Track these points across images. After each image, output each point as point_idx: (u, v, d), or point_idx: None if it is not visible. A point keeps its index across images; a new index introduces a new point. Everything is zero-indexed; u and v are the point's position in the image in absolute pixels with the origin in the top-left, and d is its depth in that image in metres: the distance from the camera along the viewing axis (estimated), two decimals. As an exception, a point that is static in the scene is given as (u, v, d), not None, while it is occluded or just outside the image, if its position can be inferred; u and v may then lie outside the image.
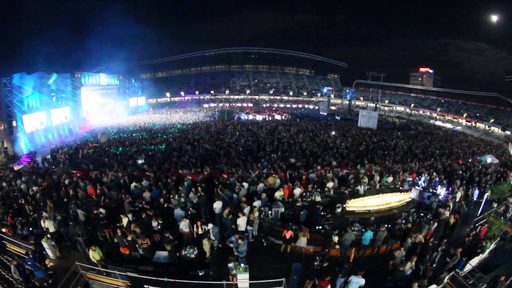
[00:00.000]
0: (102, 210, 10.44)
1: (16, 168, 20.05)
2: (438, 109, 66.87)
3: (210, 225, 9.08)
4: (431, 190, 13.71)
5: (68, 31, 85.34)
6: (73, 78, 38.51)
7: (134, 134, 31.37)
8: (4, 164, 22.86)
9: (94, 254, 8.28)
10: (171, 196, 11.42)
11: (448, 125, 59.50)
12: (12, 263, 8.24)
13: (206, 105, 74.04)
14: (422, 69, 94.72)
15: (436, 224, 10.62)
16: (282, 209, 10.66)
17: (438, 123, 62.39)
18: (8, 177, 16.74)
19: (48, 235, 9.69)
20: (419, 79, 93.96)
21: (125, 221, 9.44)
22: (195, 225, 9.42)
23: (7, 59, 48.98)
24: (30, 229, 10.54)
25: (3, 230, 10.81)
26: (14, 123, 27.12)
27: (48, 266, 9.08)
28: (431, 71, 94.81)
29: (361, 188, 12.57)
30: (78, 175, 15.38)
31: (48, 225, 10.08)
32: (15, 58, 44.81)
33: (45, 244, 9.24)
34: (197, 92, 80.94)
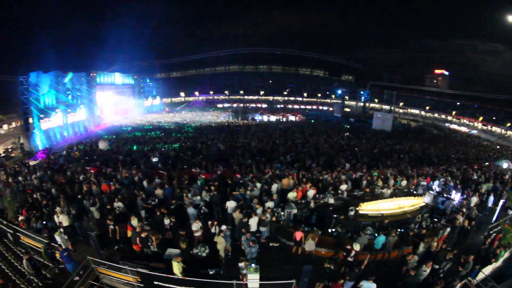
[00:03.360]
0: (120, 204, 10.54)
1: (31, 163, 20.59)
2: (454, 112, 65.33)
3: (224, 227, 9.05)
4: (445, 195, 13.41)
5: (83, 31, 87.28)
6: (88, 77, 39.02)
7: (148, 133, 31.72)
8: (20, 159, 23.54)
9: (177, 266, 7.63)
10: (184, 194, 11.46)
11: (464, 129, 58.13)
12: (24, 257, 8.42)
13: (220, 105, 74.27)
14: (437, 71, 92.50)
15: (449, 229, 10.35)
16: (295, 211, 10.59)
17: (454, 126, 61.08)
18: (24, 171, 17.21)
19: (61, 229, 9.86)
20: (434, 81, 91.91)
21: (134, 222, 9.49)
22: (209, 223, 9.39)
23: (24, 58, 50.36)
24: (44, 222, 10.76)
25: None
26: (30, 120, 27.72)
27: (59, 259, 9.23)
28: (446, 73, 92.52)
29: (387, 191, 12.42)
30: (92, 171, 15.63)
31: (62, 219, 10.30)
32: (32, 57, 46.00)
33: (57, 238, 9.41)
34: (211, 92, 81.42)
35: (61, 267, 9.05)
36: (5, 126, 41.39)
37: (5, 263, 9.72)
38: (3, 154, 27.30)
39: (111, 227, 9.68)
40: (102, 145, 23.00)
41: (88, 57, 62.89)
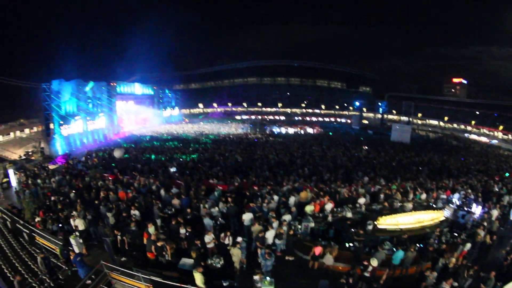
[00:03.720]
0: (137, 212, 10.64)
1: (51, 167, 21.23)
2: (473, 122, 63.41)
3: (239, 239, 8.96)
4: (465, 208, 12.97)
5: (105, 42, 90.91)
6: (109, 87, 40.00)
7: (167, 143, 32.15)
8: (40, 162, 24.32)
9: (199, 277, 7.45)
10: (201, 205, 11.46)
11: (484, 139, 56.19)
12: (39, 255, 8.61)
13: (238, 117, 74.99)
14: (455, 80, 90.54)
15: (469, 244, 9.91)
16: (312, 224, 10.43)
17: (473, 136, 59.21)
18: (43, 175, 17.75)
19: (77, 233, 10.03)
20: (452, 90, 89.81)
21: (151, 229, 9.53)
22: (222, 234, 9.34)
23: (47, 65, 52.53)
24: (60, 225, 10.99)
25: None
26: (51, 126, 28.64)
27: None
28: (464, 81, 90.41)
29: (408, 205, 12.14)
30: (110, 178, 15.93)
31: (78, 223, 10.49)
32: (55, 65, 47.92)
33: (72, 241, 9.56)
34: (229, 104, 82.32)
35: (74, 270, 9.17)
36: (26, 130, 43.28)
37: (18, 261, 9.97)
38: (23, 157, 28.33)
39: (119, 237, 9.73)
40: (118, 153, 23.53)
41: (109, 67, 65.33)
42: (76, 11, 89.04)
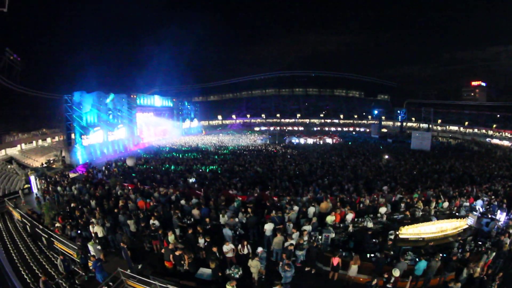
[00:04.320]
0: (156, 222, 10.77)
1: (71, 175, 21.91)
2: (494, 126, 61.11)
3: (260, 249, 8.86)
4: (489, 216, 12.51)
5: (126, 55, 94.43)
6: (129, 99, 41.10)
7: (186, 154, 32.63)
8: (61, 170, 25.16)
9: None
10: (221, 215, 11.47)
11: (506, 143, 54.00)
12: (59, 257, 8.87)
13: (257, 128, 75.80)
14: (474, 83, 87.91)
15: (494, 254, 9.46)
16: (333, 235, 10.27)
17: (495, 141, 57.12)
18: (63, 182, 18.33)
19: (96, 240, 10.23)
20: (472, 94, 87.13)
21: (171, 238, 9.59)
22: (240, 245, 9.30)
23: (69, 78, 54.76)
24: (79, 231, 11.25)
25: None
26: (72, 136, 29.62)
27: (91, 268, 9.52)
28: (483, 84, 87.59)
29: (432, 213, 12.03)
30: (129, 188, 16.23)
31: (97, 230, 10.70)
32: (77, 77, 49.95)
33: (90, 248, 9.74)
34: (248, 116, 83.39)
35: (90, 276, 9.32)
36: (48, 140, 45.04)
37: (36, 264, 10.27)
38: (45, 165, 29.42)
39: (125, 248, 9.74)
40: (130, 162, 24.10)
41: (129, 79, 67.62)
42: (97, 24, 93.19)
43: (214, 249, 8.77)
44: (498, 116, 63.63)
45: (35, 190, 18.47)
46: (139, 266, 9.75)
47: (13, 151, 36.72)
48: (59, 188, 16.80)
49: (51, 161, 31.55)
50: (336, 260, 8.75)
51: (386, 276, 8.14)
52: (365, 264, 9.00)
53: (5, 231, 13.61)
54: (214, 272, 8.23)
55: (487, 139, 58.65)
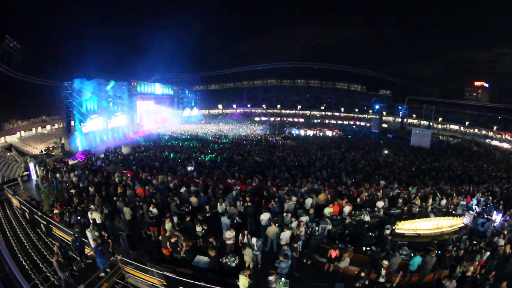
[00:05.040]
0: (154, 209, 10.82)
1: (70, 162, 21.89)
2: (495, 127, 61.07)
3: (254, 239, 8.90)
4: (485, 216, 12.59)
5: (127, 42, 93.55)
6: (129, 86, 40.85)
7: (185, 142, 32.57)
8: (60, 158, 25.15)
9: (243, 281, 7.31)
10: (218, 204, 11.49)
11: (506, 145, 54.09)
12: (56, 244, 8.91)
13: (257, 119, 75.52)
14: (477, 83, 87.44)
15: (488, 253, 9.57)
16: (330, 226, 10.32)
17: (495, 142, 57.17)
18: (62, 169, 18.34)
19: (94, 226, 10.27)
20: (474, 94, 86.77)
21: (168, 225, 9.62)
22: (240, 234, 9.33)
23: (69, 65, 54.48)
24: (78, 218, 11.27)
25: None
26: (72, 123, 29.50)
27: (88, 254, 9.68)
28: (486, 85, 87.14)
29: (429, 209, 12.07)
30: (128, 175, 16.24)
31: (95, 216, 10.72)
32: (77, 64, 49.71)
33: (88, 234, 9.76)
34: (249, 105, 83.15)
35: (88, 262, 9.43)
36: (48, 127, 44.95)
37: (34, 251, 10.35)
38: (44, 152, 29.39)
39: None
40: (125, 150, 24.11)
41: (130, 67, 67.22)
42: (98, 11, 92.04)
43: (211, 240, 8.81)
44: (500, 118, 63.54)
45: (34, 177, 18.49)
46: (137, 253, 9.81)
47: (12, 139, 36.71)
48: (58, 175, 16.80)
49: (51, 148, 31.48)
50: (334, 253, 8.81)
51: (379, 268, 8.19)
52: (358, 256, 9.06)
53: (4, 218, 13.69)
54: (213, 260, 8.29)
55: (487, 140, 58.69)
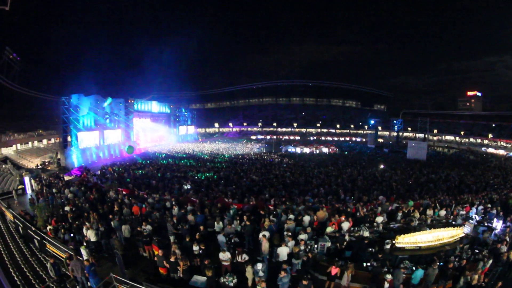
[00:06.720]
0: (148, 227, 10.63)
1: (66, 178, 21.66)
2: (490, 135, 61.70)
3: (260, 265, 8.53)
4: (486, 224, 12.50)
5: (125, 60, 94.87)
6: (126, 103, 41.05)
7: (182, 161, 32.43)
8: (56, 172, 24.89)
9: None
10: (215, 223, 11.31)
11: (501, 152, 54.62)
12: (49, 260, 8.65)
13: (253, 137, 75.88)
14: (469, 93, 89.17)
15: (491, 261, 9.43)
16: (329, 244, 10.18)
17: (490, 150, 57.81)
18: (58, 185, 18.10)
19: (88, 244, 10.04)
20: (467, 103, 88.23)
21: (178, 252, 9.32)
22: (237, 252, 9.15)
23: (67, 80, 54.69)
24: (72, 235, 11.05)
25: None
26: (68, 138, 29.39)
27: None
28: (479, 94, 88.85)
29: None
30: (124, 193, 16.07)
31: (90, 234, 10.49)
32: (75, 80, 49.84)
33: (83, 251, 9.52)
34: (245, 124, 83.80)
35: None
36: (44, 141, 44.66)
37: (27, 267, 10.00)
38: (40, 166, 29.09)
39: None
40: (130, 151, 23.72)
41: (127, 84, 67.95)
42: (97, 29, 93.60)
43: (206, 262, 8.55)
44: (494, 125, 64.39)
45: (29, 191, 18.26)
46: (132, 273, 9.55)
47: (8, 151, 36.29)
48: (54, 190, 16.59)
49: (47, 163, 31.23)
50: (335, 270, 8.65)
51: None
52: (359, 273, 8.91)
53: (-4, 231, 13.33)
54: (210, 280, 8.09)
55: (483, 148, 59.33)
